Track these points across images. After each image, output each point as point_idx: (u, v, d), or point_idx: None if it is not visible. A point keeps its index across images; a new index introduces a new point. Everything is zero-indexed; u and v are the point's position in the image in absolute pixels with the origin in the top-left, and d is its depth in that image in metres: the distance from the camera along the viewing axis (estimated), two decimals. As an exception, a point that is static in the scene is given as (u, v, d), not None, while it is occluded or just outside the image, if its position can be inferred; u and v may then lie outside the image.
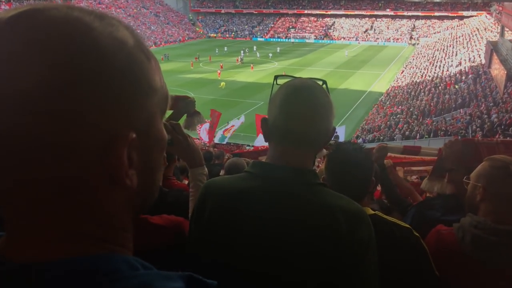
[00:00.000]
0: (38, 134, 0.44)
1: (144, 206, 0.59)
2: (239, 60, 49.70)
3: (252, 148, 14.93)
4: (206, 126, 15.85)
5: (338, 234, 1.05)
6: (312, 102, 1.15)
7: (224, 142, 17.85)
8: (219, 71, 41.61)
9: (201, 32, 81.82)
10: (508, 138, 12.84)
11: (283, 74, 1.29)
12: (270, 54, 54.45)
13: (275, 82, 1.27)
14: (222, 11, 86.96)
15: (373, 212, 1.63)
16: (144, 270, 0.50)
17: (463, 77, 31.04)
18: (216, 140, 17.21)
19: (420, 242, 1.59)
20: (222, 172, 4.22)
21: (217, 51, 57.07)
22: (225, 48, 59.50)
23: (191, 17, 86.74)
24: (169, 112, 2.46)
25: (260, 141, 15.91)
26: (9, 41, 0.44)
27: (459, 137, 16.80)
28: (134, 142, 0.50)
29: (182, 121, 2.43)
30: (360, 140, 20.29)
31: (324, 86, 1.24)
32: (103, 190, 0.50)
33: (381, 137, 21.61)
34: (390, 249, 1.40)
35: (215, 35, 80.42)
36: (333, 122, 1.20)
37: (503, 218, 1.56)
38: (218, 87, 34.95)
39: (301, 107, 1.14)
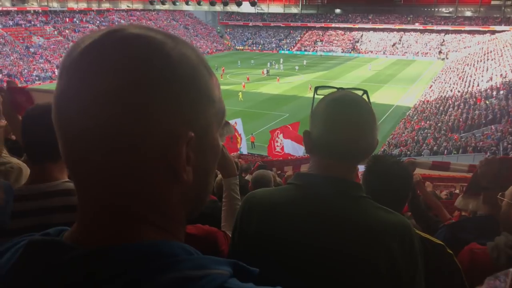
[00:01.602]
0: (119, 123, 0.52)
1: (198, 205, 0.66)
2: (265, 72, 49.91)
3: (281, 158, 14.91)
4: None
5: (389, 247, 1.05)
6: (357, 116, 1.15)
7: (246, 153, 17.85)
8: (243, 83, 41.91)
9: (228, 44, 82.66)
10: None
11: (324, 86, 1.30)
12: (297, 67, 54.57)
13: (316, 94, 1.27)
14: (250, 24, 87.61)
15: None
16: (197, 255, 0.58)
17: (494, 93, 30.25)
18: (242, 151, 17.23)
19: (453, 259, 1.57)
20: (249, 185, 4.25)
21: (239, 64, 57.50)
22: (252, 61, 59.90)
23: (219, 30, 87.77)
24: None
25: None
26: (102, 52, 0.54)
27: (489, 153, 16.37)
28: (192, 142, 0.57)
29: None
30: (386, 155, 19.94)
31: (365, 95, 1.25)
32: (165, 183, 0.58)
33: (408, 152, 21.25)
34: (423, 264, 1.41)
35: (242, 47, 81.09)
36: (378, 134, 1.20)
37: None
38: (238, 100, 35.16)
39: (346, 121, 1.15)
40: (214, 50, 76.34)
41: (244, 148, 18.18)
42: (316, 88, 1.30)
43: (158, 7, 54.48)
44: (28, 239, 0.59)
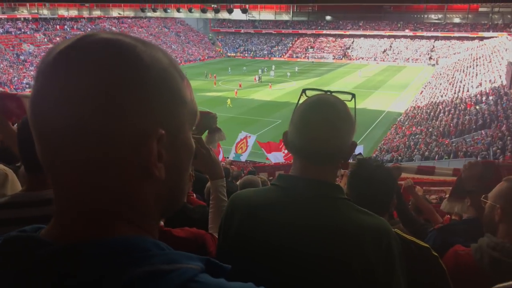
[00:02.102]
0: (91, 123, 0.55)
1: (172, 203, 0.69)
2: (257, 79, 50.07)
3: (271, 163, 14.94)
4: None
5: (366, 249, 1.05)
6: (329, 117, 1.16)
7: (244, 160, 17.86)
8: (236, 90, 41.98)
9: (220, 51, 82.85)
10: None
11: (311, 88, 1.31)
12: (288, 73, 54.77)
13: (303, 94, 1.28)
14: (242, 31, 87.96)
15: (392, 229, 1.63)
16: (169, 251, 0.60)
17: (484, 98, 30.60)
18: (231, 158, 17.23)
19: (438, 261, 1.58)
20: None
21: (229, 71, 57.55)
22: (244, 68, 60.05)
23: (211, 37, 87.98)
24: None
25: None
26: (75, 56, 0.57)
27: (480, 158, 16.53)
28: (164, 140, 0.60)
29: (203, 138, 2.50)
30: (378, 160, 20.03)
31: (352, 99, 1.26)
32: (138, 180, 0.60)
33: (400, 157, 21.38)
34: (408, 267, 1.41)
35: (234, 54, 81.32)
36: (353, 136, 1.20)
37: None
38: (227, 106, 35.17)
39: (317, 122, 1.16)
40: (206, 57, 76.46)
41: (244, 156, 18.24)
42: (304, 90, 1.31)
43: (149, 14, 54.49)
44: (4, 236, 0.61)
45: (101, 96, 0.55)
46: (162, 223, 1.65)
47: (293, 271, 1.07)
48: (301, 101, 1.25)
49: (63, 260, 0.54)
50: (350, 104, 1.25)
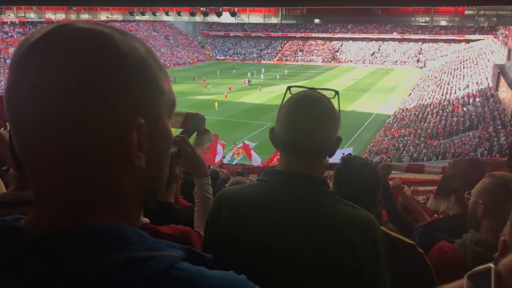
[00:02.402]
0: (70, 113, 0.54)
1: (152, 193, 0.69)
2: (247, 82, 50.12)
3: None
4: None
5: (352, 242, 1.06)
6: (314, 112, 1.18)
7: (234, 163, 17.87)
8: (225, 93, 41.98)
9: (210, 54, 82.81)
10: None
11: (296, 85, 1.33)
12: (278, 76, 54.89)
13: (287, 92, 1.29)
14: (231, 34, 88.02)
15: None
16: (149, 239, 0.60)
17: (471, 100, 30.98)
18: (225, 161, 17.23)
19: (424, 258, 1.59)
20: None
21: (218, 74, 57.60)
22: (234, 71, 60.07)
23: (200, 40, 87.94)
24: (179, 130, 2.53)
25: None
26: (51, 45, 0.56)
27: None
28: (144, 129, 0.60)
29: (191, 140, 2.49)
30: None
31: (336, 96, 1.29)
32: (118, 169, 0.60)
33: (389, 159, 21.51)
34: (394, 264, 1.42)
35: (224, 57, 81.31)
36: (337, 131, 1.23)
37: None
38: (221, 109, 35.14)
39: (302, 117, 1.18)
40: (196, 60, 76.37)
41: (237, 160, 18.26)
42: (288, 88, 1.32)
43: (138, 18, 54.22)
44: None
45: (78, 85, 0.54)
46: (147, 220, 1.64)
47: (280, 267, 1.08)
48: (286, 98, 1.27)
49: (42, 248, 0.54)
50: (333, 102, 1.27)
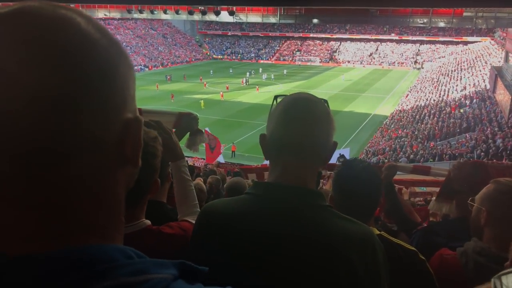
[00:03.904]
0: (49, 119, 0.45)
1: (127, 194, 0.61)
2: (244, 81, 50.10)
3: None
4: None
5: (350, 261, 1.00)
6: (309, 112, 1.13)
7: (223, 161, 17.82)
8: (221, 92, 41.97)
9: (207, 53, 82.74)
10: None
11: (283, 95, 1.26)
12: (273, 76, 54.98)
13: (275, 102, 1.23)
14: (229, 34, 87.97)
15: (378, 232, 1.58)
16: (138, 259, 0.52)
17: (468, 102, 31.07)
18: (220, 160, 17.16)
19: (425, 265, 1.55)
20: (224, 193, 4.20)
21: (211, 73, 57.55)
22: (231, 70, 60.09)
23: (198, 39, 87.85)
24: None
25: None
26: (9, 39, 0.46)
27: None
28: (140, 122, 0.56)
29: (184, 141, 2.43)
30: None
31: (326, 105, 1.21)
32: (113, 169, 0.53)
33: (386, 160, 21.53)
34: (395, 271, 1.36)
35: (221, 56, 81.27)
36: (333, 136, 1.17)
37: (507, 245, 1.49)
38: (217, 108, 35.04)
39: (298, 116, 1.12)
40: (193, 59, 76.29)
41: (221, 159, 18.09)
42: (276, 97, 1.26)
43: (136, 16, 54.10)
44: None
45: (66, 96, 0.46)
46: (149, 222, 1.60)
47: (276, 284, 1.01)
48: (273, 107, 1.21)
49: (15, 275, 0.44)
50: None
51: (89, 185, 0.50)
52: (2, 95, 0.43)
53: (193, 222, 1.78)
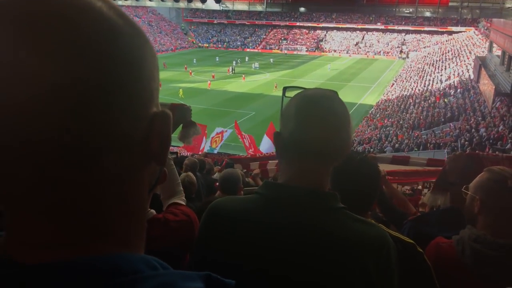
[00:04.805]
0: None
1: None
2: (230, 70, 49.84)
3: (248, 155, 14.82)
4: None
5: (366, 266, 0.98)
6: (332, 113, 1.07)
7: (216, 152, 17.73)
8: (209, 82, 41.68)
9: (193, 41, 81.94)
10: (499, 153, 12.94)
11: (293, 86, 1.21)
12: (257, 65, 54.73)
13: (284, 94, 1.18)
14: (215, 22, 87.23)
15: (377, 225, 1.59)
16: (163, 270, 0.48)
17: (452, 91, 31.42)
18: (205, 150, 17.06)
19: (424, 258, 1.55)
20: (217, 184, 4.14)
21: (194, 61, 57.05)
22: (217, 58, 59.69)
23: (183, 27, 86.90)
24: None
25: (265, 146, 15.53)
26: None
27: (448, 150, 16.96)
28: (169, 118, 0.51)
29: (177, 132, 2.38)
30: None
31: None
32: (141, 173, 0.50)
33: (371, 149, 21.70)
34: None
35: (207, 45, 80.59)
36: (352, 133, 1.12)
37: (501, 232, 1.53)
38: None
39: (320, 117, 1.05)
40: (178, 47, 75.53)
41: (217, 149, 17.94)
42: (285, 89, 1.22)
43: (120, 2, 53.10)
44: None
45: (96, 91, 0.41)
46: (154, 211, 1.57)
47: None
48: (285, 100, 1.15)
49: (26, 286, 0.41)
50: None
51: (115, 186, 0.46)
52: (23, 91, 0.38)
53: (184, 204, 1.77)
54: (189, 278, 0.47)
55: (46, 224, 0.43)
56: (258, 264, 1.00)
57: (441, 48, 55.15)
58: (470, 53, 42.60)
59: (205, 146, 17.24)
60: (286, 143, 1.08)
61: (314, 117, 1.05)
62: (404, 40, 73.00)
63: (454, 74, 36.99)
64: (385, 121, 28.59)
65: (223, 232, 1.06)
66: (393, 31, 75.15)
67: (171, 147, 1.77)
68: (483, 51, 38.30)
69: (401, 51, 69.57)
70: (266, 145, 15.40)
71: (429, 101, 31.14)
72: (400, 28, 73.96)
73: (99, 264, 0.43)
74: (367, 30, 77.03)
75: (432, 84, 37.17)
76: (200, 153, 13.65)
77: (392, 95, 38.13)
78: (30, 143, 0.39)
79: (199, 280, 0.48)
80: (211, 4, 43.76)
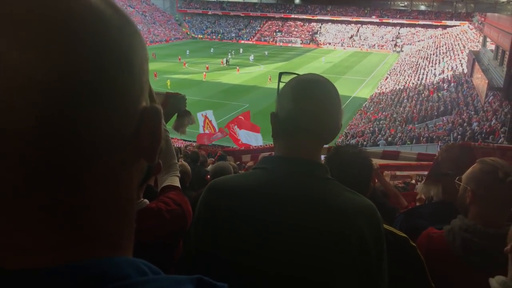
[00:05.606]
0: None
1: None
2: (225, 62, 49.69)
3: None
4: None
5: (362, 232, 1.04)
6: (325, 94, 1.16)
7: (210, 144, 17.64)
8: (204, 73, 41.56)
9: (187, 32, 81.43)
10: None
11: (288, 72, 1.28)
12: (252, 58, 54.61)
13: (280, 80, 1.25)
14: (209, 13, 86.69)
15: None
16: (153, 275, 0.45)
17: (446, 85, 31.55)
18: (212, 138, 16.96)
19: (416, 252, 1.57)
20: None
21: (188, 53, 56.73)
22: (211, 50, 59.43)
23: (177, 18, 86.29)
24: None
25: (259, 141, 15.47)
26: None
27: (441, 143, 17.05)
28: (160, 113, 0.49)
29: (172, 122, 2.37)
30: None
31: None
32: (130, 171, 0.48)
33: (365, 142, 21.79)
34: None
35: (201, 36, 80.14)
36: (342, 118, 1.22)
37: (492, 222, 1.57)
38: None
39: (314, 98, 1.15)
40: (172, 38, 75.03)
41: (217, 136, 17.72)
42: (281, 74, 1.28)
43: (113, -8, 52.65)
44: None
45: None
46: (147, 201, 1.56)
47: (292, 250, 1.04)
48: (281, 85, 1.22)
49: None
50: None
51: (103, 187, 0.44)
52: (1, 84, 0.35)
53: (178, 186, 1.75)
54: (179, 282, 0.45)
55: (29, 227, 0.41)
56: (264, 235, 1.06)
57: (435, 42, 55.24)
58: (464, 47, 42.72)
59: (206, 139, 17.03)
60: (283, 121, 1.16)
61: (309, 98, 1.15)
62: (399, 33, 73.01)
63: (447, 68, 37.11)
64: (379, 115, 28.68)
65: (227, 207, 1.12)
66: (387, 24, 75.13)
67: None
68: (477, 46, 38.41)
69: (395, 45, 69.62)
70: (245, 138, 15.38)
71: (423, 94, 31.25)
72: (395, 21, 73.94)
73: (83, 270, 0.41)
74: (362, 23, 76.93)
75: (426, 78, 37.27)
76: (191, 145, 13.60)
77: (386, 88, 38.21)
78: (11, 140, 0.37)
79: (190, 284, 0.46)
80: (206, -5, 43.41)
